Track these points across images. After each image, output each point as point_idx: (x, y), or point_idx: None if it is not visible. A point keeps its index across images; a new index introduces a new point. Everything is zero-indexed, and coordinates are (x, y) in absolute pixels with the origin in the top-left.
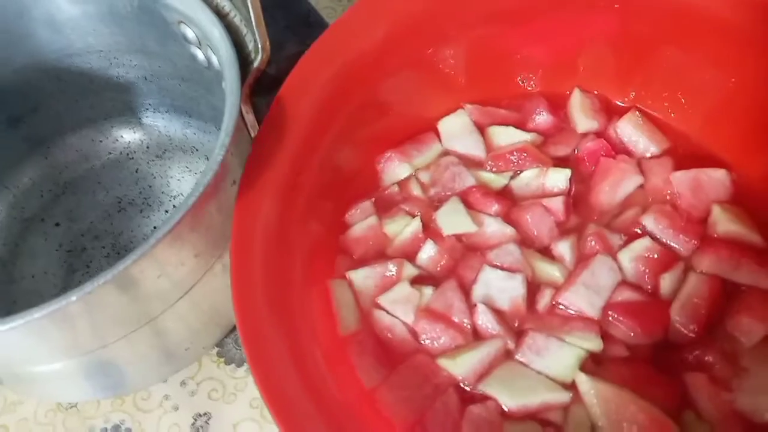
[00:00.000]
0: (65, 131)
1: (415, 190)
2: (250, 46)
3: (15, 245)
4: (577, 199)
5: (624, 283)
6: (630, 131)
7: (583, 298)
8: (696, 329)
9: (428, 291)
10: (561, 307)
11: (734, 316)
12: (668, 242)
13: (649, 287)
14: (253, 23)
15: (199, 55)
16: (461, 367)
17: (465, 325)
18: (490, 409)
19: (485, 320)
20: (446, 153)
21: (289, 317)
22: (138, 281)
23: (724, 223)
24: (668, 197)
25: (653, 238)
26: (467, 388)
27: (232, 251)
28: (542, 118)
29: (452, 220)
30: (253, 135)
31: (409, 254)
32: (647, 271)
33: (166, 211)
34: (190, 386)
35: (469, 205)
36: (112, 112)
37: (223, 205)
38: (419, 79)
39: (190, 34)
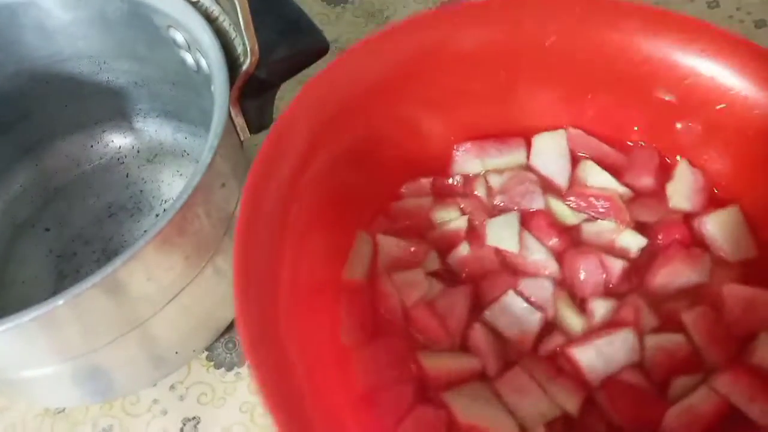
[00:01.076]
0: (55, 137)
1: (479, 191)
2: (239, 49)
3: (5, 251)
4: (636, 269)
5: (635, 366)
6: (716, 231)
7: (590, 361)
8: None
9: (437, 287)
10: (565, 359)
11: None
12: (699, 347)
13: (658, 380)
14: (242, 27)
15: (189, 59)
16: (434, 367)
17: (455, 332)
18: (439, 418)
19: (478, 340)
20: (527, 167)
21: (294, 321)
22: (126, 285)
23: (764, 352)
24: (718, 304)
25: (687, 336)
26: (430, 390)
27: (235, 243)
28: (646, 180)
29: (500, 233)
30: (242, 138)
31: (442, 248)
32: (665, 365)
33: (157, 216)
34: (179, 390)
35: (528, 227)
36: (102, 117)
37: (213, 208)
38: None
39: (179, 38)
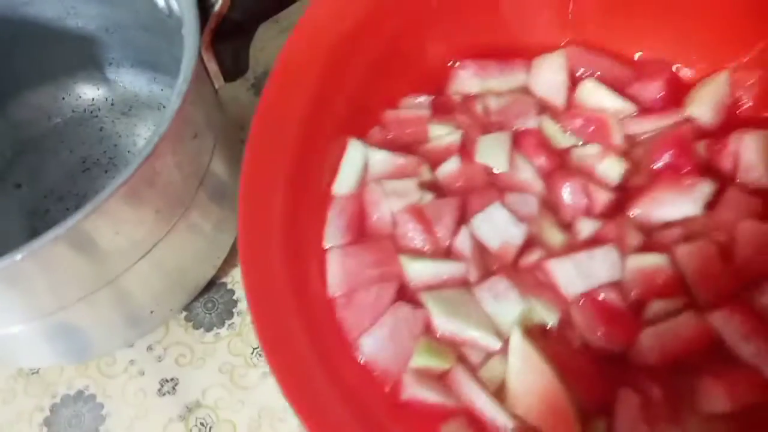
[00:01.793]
0: (23, 87)
1: (477, 109)
2: None
3: None
4: (630, 194)
5: (615, 284)
6: (753, 152)
7: (565, 274)
8: (657, 361)
9: (428, 197)
10: (543, 272)
11: (709, 378)
12: (687, 281)
13: (635, 301)
14: None
15: (160, 1)
16: (415, 270)
17: (441, 240)
18: (417, 316)
19: (463, 243)
20: (526, 89)
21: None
22: (93, 238)
23: None
24: (724, 241)
25: (675, 266)
26: (410, 292)
27: (240, 193)
28: (653, 89)
29: (490, 150)
30: (217, 86)
31: (435, 161)
32: (644, 287)
33: None
34: (156, 351)
35: (518, 146)
36: (73, 67)
37: (184, 159)
38: None
39: None
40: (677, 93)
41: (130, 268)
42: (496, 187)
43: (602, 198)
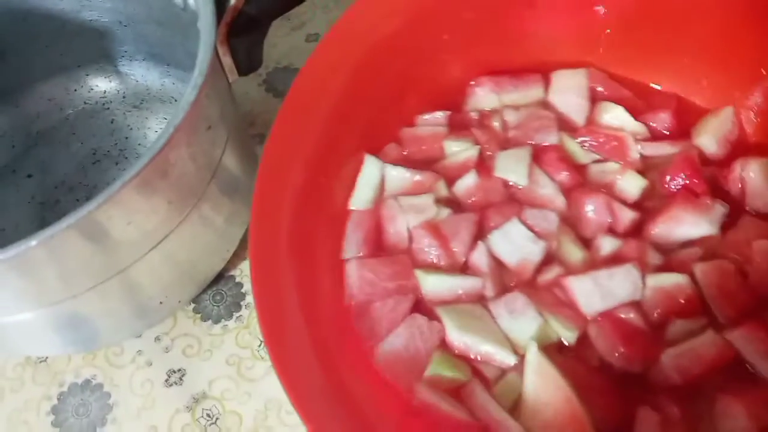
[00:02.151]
0: (36, 79)
1: (494, 124)
2: None
3: None
4: (647, 214)
5: (635, 303)
6: (758, 178)
7: (584, 292)
8: (679, 381)
9: (445, 213)
10: (562, 289)
11: (728, 397)
12: (706, 299)
13: (656, 321)
14: None
15: None
16: (431, 284)
17: (458, 255)
18: (433, 329)
19: (479, 259)
20: (544, 103)
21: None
22: (105, 228)
23: None
24: (740, 260)
25: (694, 285)
26: (426, 306)
27: (255, 196)
28: (664, 118)
29: (509, 165)
30: (231, 80)
31: (451, 177)
32: (665, 306)
33: None
34: (164, 342)
35: (538, 161)
36: (86, 60)
37: (198, 151)
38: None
39: None
40: (686, 124)
41: (141, 259)
42: (514, 203)
43: (626, 216)
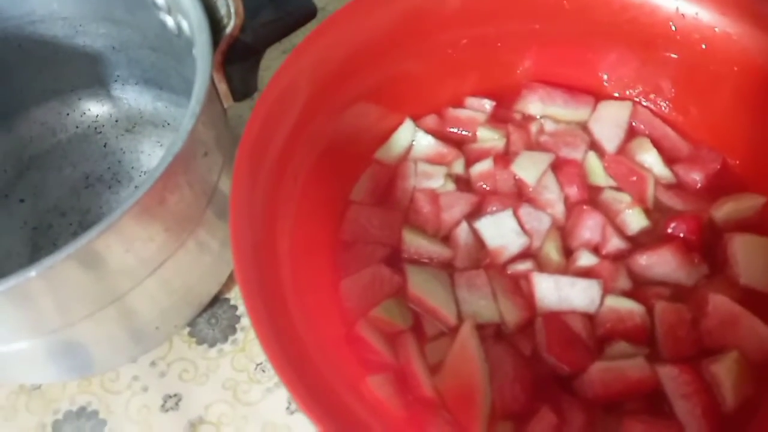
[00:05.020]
0: (29, 104)
1: (533, 128)
2: (223, 11)
3: None
4: (637, 247)
5: (586, 315)
6: (739, 251)
7: (544, 288)
8: (600, 392)
9: (450, 187)
10: (527, 281)
11: (635, 423)
12: (656, 334)
13: (600, 336)
14: None
15: (169, 22)
16: (411, 242)
17: (444, 225)
18: (392, 282)
19: (460, 234)
20: (584, 126)
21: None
22: (103, 257)
23: (721, 369)
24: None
25: (649, 318)
26: (400, 260)
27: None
28: (696, 176)
29: (527, 163)
30: (226, 106)
31: (471, 159)
32: (613, 326)
33: (136, 187)
34: (160, 367)
35: (557, 170)
36: (78, 84)
37: (195, 178)
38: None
39: None
40: (717, 187)
41: (138, 286)
42: (517, 197)
43: (615, 244)
